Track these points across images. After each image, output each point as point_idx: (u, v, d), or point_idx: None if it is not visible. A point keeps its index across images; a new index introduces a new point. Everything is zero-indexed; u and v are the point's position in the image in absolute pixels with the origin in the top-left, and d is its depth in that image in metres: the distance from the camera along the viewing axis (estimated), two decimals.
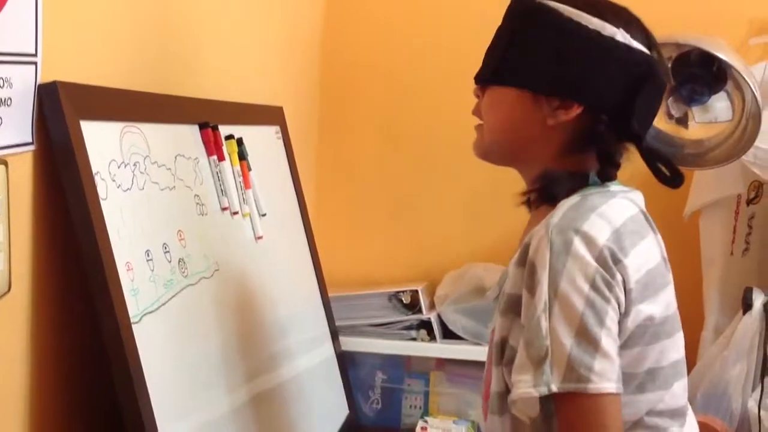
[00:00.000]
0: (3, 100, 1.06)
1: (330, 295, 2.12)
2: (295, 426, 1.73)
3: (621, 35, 1.15)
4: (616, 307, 1.08)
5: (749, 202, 2.06)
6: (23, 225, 1.13)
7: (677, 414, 1.19)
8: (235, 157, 1.65)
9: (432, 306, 2.27)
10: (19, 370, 1.14)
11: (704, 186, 2.08)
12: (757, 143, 1.75)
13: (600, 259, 1.07)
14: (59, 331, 1.22)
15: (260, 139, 1.87)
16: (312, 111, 2.45)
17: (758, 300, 1.90)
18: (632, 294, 1.09)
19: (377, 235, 2.47)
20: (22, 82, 1.10)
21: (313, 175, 2.42)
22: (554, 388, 1.04)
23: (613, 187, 1.20)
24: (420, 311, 2.21)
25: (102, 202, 1.18)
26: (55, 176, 1.16)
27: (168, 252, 1.34)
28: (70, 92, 1.16)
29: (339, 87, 2.47)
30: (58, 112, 1.14)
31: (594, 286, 1.06)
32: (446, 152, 2.38)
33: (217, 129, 1.59)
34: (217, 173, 1.57)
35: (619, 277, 1.08)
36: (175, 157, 1.43)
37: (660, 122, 1.86)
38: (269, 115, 1.98)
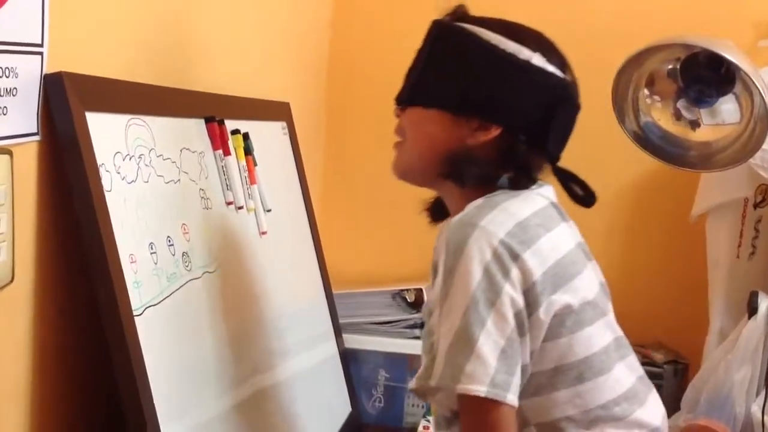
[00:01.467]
0: (8, 90, 1.06)
1: (334, 292, 2.12)
2: (298, 423, 1.72)
3: (537, 59, 1.19)
4: (507, 305, 1.08)
5: (756, 205, 2.04)
6: (27, 215, 1.13)
7: (632, 397, 1.19)
8: (241, 151, 1.65)
9: None
10: (22, 360, 1.14)
11: (711, 188, 2.07)
12: (765, 146, 1.74)
13: (495, 255, 1.09)
14: (62, 322, 1.22)
15: (266, 135, 1.86)
16: (319, 107, 2.44)
17: (764, 304, 1.89)
18: (538, 286, 1.10)
19: (382, 232, 2.46)
20: (28, 72, 1.10)
21: (318, 171, 2.42)
22: (432, 383, 1.08)
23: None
24: None
25: (106, 194, 1.18)
26: (59, 167, 1.16)
27: (172, 245, 1.33)
28: (76, 83, 1.16)
29: (346, 84, 2.46)
30: (64, 103, 1.14)
31: (480, 286, 1.08)
32: None
33: (224, 123, 1.59)
34: (222, 168, 1.56)
35: (515, 272, 1.09)
36: (181, 151, 1.43)
37: (667, 124, 1.86)
38: (276, 111, 1.98)
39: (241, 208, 1.61)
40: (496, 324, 1.07)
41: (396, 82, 2.49)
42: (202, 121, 1.54)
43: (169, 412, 1.22)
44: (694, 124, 1.85)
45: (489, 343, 1.06)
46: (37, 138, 1.13)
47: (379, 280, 2.35)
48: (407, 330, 2.21)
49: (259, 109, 1.86)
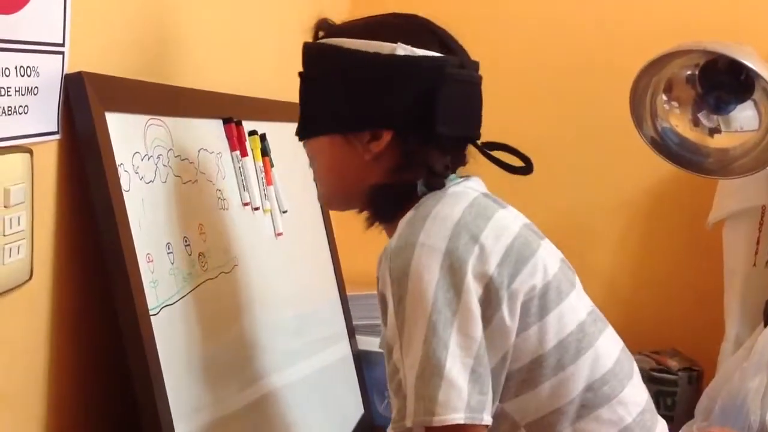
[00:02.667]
0: (29, 89, 1.07)
1: (348, 293, 2.12)
2: (310, 424, 1.73)
3: (401, 49, 1.14)
4: (468, 320, 1.02)
5: None
6: (46, 214, 1.14)
7: (619, 372, 1.13)
8: (258, 152, 1.66)
9: None
10: (39, 357, 1.15)
11: (728, 195, 2.06)
12: None
13: (443, 270, 1.03)
14: (79, 321, 1.23)
15: (284, 136, 1.86)
16: None
17: None
18: (495, 280, 1.05)
19: None
20: (49, 72, 1.10)
21: None
22: (408, 423, 1.02)
23: (450, 182, 1.18)
24: None
25: (125, 193, 1.19)
26: (79, 166, 1.16)
27: (188, 245, 1.34)
28: (96, 83, 1.16)
29: None
30: (84, 102, 1.15)
31: (435, 308, 1.01)
32: None
33: (241, 124, 1.59)
34: (239, 168, 1.57)
35: (469, 278, 1.03)
36: (199, 151, 1.43)
37: (685, 130, 1.85)
38: (293, 112, 1.97)
39: (257, 209, 1.62)
40: (460, 344, 1.01)
41: None
42: (220, 121, 1.55)
43: (184, 411, 1.23)
44: (712, 131, 1.84)
45: (457, 365, 1.00)
46: (57, 137, 1.14)
47: None
48: None
49: (276, 110, 1.86)
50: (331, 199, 1.29)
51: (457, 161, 1.21)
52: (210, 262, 1.40)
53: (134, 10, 1.32)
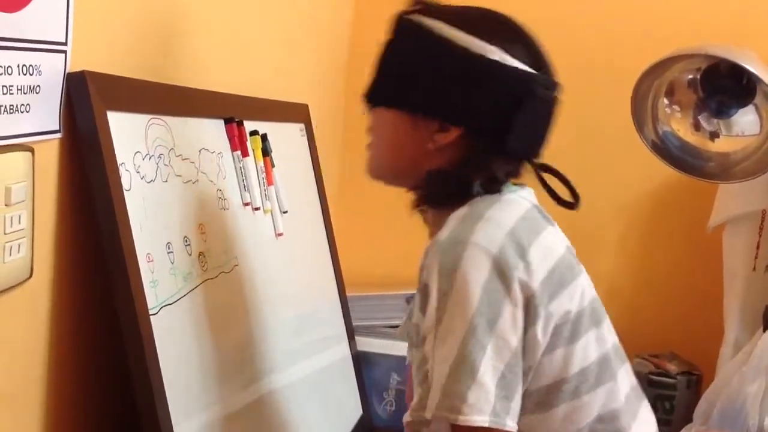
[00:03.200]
0: (31, 88, 1.07)
1: (348, 294, 2.12)
2: (308, 424, 1.73)
3: (494, 52, 1.11)
4: (508, 327, 1.02)
5: None
6: (47, 213, 1.14)
7: (627, 410, 1.14)
8: (259, 153, 1.66)
9: None
10: (38, 355, 1.15)
11: (729, 200, 2.06)
12: None
13: (495, 271, 1.03)
14: (79, 319, 1.23)
15: (285, 136, 1.87)
16: (337, 110, 2.45)
17: None
18: (537, 297, 1.05)
19: (398, 236, 2.45)
20: (51, 71, 1.10)
21: (336, 174, 2.43)
22: (428, 415, 1.02)
23: (505, 188, 1.17)
24: None
25: (125, 193, 1.19)
26: (80, 165, 1.16)
27: (189, 245, 1.34)
28: (98, 82, 1.16)
29: (364, 89, 2.46)
30: (86, 101, 1.15)
31: (480, 311, 1.01)
32: None
33: (242, 124, 1.59)
34: (240, 168, 1.57)
35: (516, 285, 1.03)
36: (200, 151, 1.43)
37: (686, 134, 1.85)
38: (294, 113, 1.98)
39: (258, 209, 1.62)
40: (496, 349, 1.02)
41: None
42: (222, 121, 1.55)
43: (183, 411, 1.23)
44: (713, 135, 1.84)
45: (490, 369, 1.01)
46: (58, 136, 1.14)
47: (394, 283, 2.35)
48: None
49: (277, 110, 1.86)
50: (380, 171, 1.25)
51: (516, 171, 1.20)
52: (210, 262, 1.40)
53: (136, 9, 1.32)
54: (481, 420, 1.00)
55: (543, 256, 1.08)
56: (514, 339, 1.04)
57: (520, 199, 1.16)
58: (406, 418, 1.06)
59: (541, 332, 1.06)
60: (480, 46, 1.12)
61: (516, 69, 1.13)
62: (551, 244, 1.13)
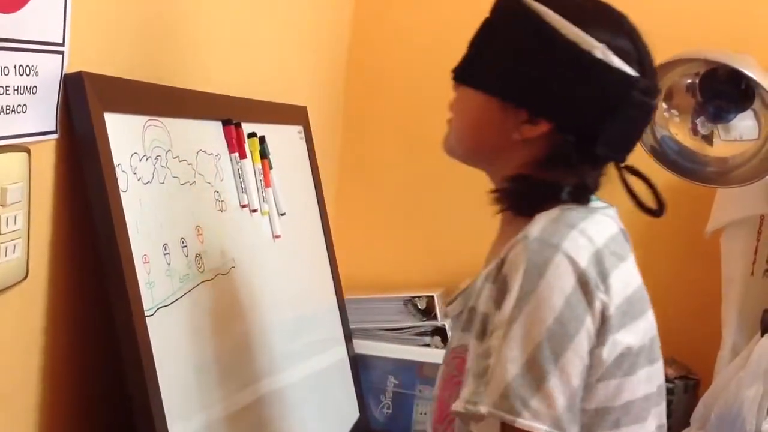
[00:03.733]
0: (28, 88, 1.07)
1: (346, 297, 2.12)
2: (305, 427, 1.73)
3: (600, 52, 1.06)
4: (584, 341, 1.00)
5: None
6: (43, 213, 1.14)
7: None
8: (257, 154, 1.66)
9: (447, 313, 2.27)
10: (33, 356, 1.15)
11: (727, 204, 2.06)
12: None
13: (580, 284, 1.00)
14: (74, 320, 1.22)
15: (283, 138, 1.87)
16: (336, 113, 2.45)
17: None
18: (610, 322, 1.02)
19: (395, 239, 2.47)
20: (48, 71, 1.10)
21: (334, 176, 2.43)
22: (483, 410, 0.99)
23: (593, 203, 1.13)
24: (435, 317, 2.21)
25: (122, 194, 1.19)
26: (76, 166, 1.16)
27: (185, 246, 1.34)
28: (95, 83, 1.16)
29: (363, 91, 2.47)
30: (83, 102, 1.15)
31: (560, 319, 0.99)
32: None
33: (240, 126, 1.59)
34: (238, 170, 1.57)
35: (597, 304, 1.01)
36: (197, 153, 1.43)
37: (685, 138, 1.85)
38: (293, 115, 1.98)
39: (255, 211, 1.62)
40: (570, 361, 0.99)
41: (414, 88, 2.51)
42: (219, 123, 1.55)
43: (178, 413, 1.23)
44: (712, 140, 1.84)
45: (560, 382, 0.98)
46: (55, 136, 1.14)
47: (391, 286, 2.36)
48: (418, 337, 2.21)
49: (276, 112, 1.86)
50: (458, 150, 1.20)
51: (599, 179, 1.16)
52: (207, 264, 1.40)
53: (134, 11, 1.32)
54: (540, 428, 0.97)
55: (623, 284, 1.06)
56: (586, 355, 1.01)
57: (610, 221, 1.12)
58: (457, 408, 1.01)
59: (606, 355, 1.03)
60: (588, 43, 1.06)
61: (620, 71, 1.07)
62: (630, 273, 1.10)
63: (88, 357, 1.26)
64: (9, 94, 1.04)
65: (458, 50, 2.57)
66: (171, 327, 1.26)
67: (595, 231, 1.06)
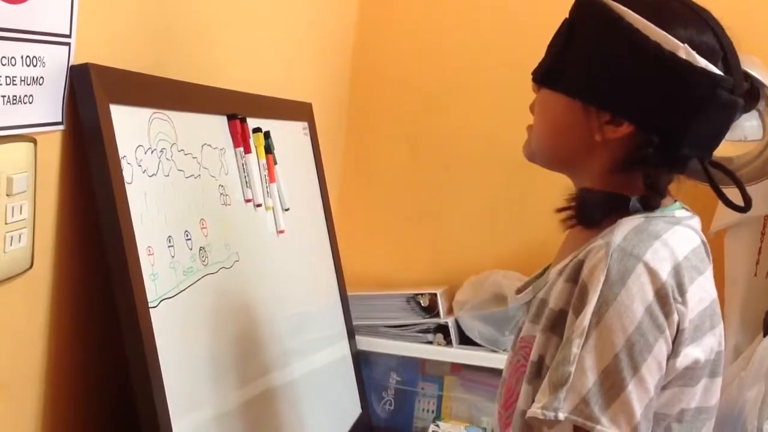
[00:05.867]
0: (35, 79, 1.07)
1: (348, 293, 2.13)
2: (307, 422, 1.73)
3: (684, 52, 1.05)
4: (663, 351, 1.01)
5: None
6: (48, 204, 1.14)
7: None
8: (262, 150, 1.66)
9: (450, 311, 2.27)
10: (38, 345, 1.16)
11: None
12: None
13: (659, 296, 1.00)
14: (79, 311, 1.23)
15: (287, 134, 1.87)
16: (340, 111, 2.45)
17: None
18: (684, 335, 1.03)
19: (399, 236, 2.47)
20: (55, 63, 1.11)
21: (338, 173, 2.43)
22: (561, 416, 0.99)
23: (677, 212, 1.13)
24: (438, 315, 2.21)
25: (127, 186, 1.19)
26: (82, 157, 1.17)
27: (189, 239, 1.34)
28: (102, 75, 1.17)
29: (367, 90, 2.47)
30: (89, 94, 1.15)
31: (640, 329, 0.99)
32: (469, 159, 2.38)
33: (245, 121, 1.60)
34: (242, 165, 1.57)
35: (675, 317, 1.01)
36: (202, 146, 1.44)
37: None
38: (298, 111, 1.99)
39: (259, 205, 1.62)
40: (649, 371, 1.00)
41: (419, 86, 2.51)
42: (225, 118, 1.55)
43: (180, 405, 1.23)
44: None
45: (638, 391, 0.99)
46: (61, 127, 1.14)
47: (394, 283, 2.36)
48: (420, 334, 2.22)
49: (281, 108, 1.87)
50: (539, 155, 1.19)
51: (669, 182, 1.15)
52: (210, 257, 1.40)
53: (142, 3, 1.33)
54: None
55: (699, 298, 1.06)
56: (664, 364, 1.02)
57: (693, 233, 1.12)
58: (534, 413, 1.01)
59: (677, 365, 1.04)
60: (671, 43, 1.05)
61: (704, 71, 1.06)
62: (707, 287, 1.09)
63: (92, 347, 1.27)
64: (16, 84, 1.04)
65: (460, 54, 2.58)
66: (174, 319, 1.26)
67: (678, 243, 1.06)
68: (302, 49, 2.10)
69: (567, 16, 1.15)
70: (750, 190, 1.85)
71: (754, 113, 1.78)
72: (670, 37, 1.06)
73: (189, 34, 1.50)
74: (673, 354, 1.03)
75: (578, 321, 1.01)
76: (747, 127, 1.80)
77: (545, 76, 1.15)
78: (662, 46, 1.06)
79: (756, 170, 1.78)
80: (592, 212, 1.12)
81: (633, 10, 1.07)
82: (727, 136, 1.81)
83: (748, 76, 1.69)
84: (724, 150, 1.82)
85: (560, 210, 1.15)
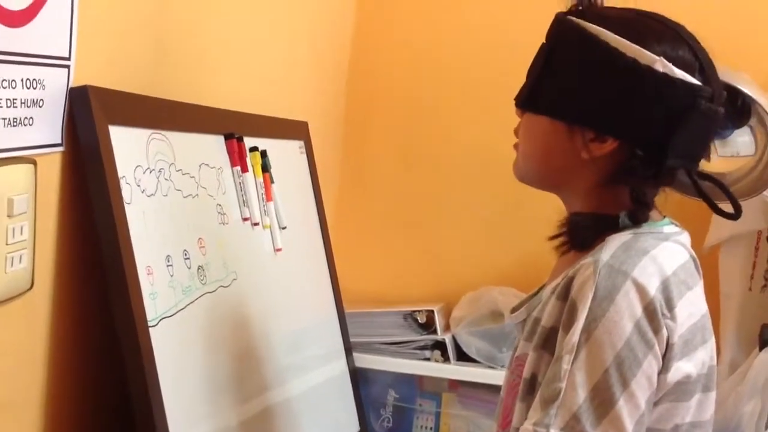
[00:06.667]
0: (35, 101, 1.09)
1: (346, 311, 2.13)
2: None
3: (661, 64, 1.07)
4: (653, 366, 1.02)
5: None
6: (48, 224, 1.15)
7: None
8: (259, 168, 1.67)
9: (447, 327, 2.27)
10: (38, 365, 1.16)
11: (725, 220, 2.06)
12: None
13: (648, 311, 1.01)
14: (79, 330, 1.24)
15: (284, 153, 1.88)
16: (336, 128, 2.47)
17: None
18: (673, 350, 1.04)
19: (396, 254, 2.48)
20: (55, 85, 1.12)
21: (334, 191, 2.44)
22: None
23: (666, 228, 1.14)
24: (435, 332, 2.21)
25: (126, 206, 1.20)
26: (81, 178, 1.18)
27: (188, 258, 1.35)
28: (101, 97, 1.18)
29: (363, 109, 2.48)
30: (88, 115, 1.17)
31: (629, 345, 1.00)
32: (466, 176, 2.39)
33: (242, 140, 1.61)
34: (240, 184, 1.58)
35: (664, 332, 1.02)
36: (200, 166, 1.45)
37: None
38: (294, 130, 2.00)
39: (257, 224, 1.63)
40: (639, 386, 1.00)
41: (414, 104, 2.52)
42: (222, 137, 1.57)
43: (180, 424, 1.24)
44: (709, 155, 1.85)
45: (628, 406, 1.00)
46: (60, 149, 1.16)
47: (392, 300, 2.36)
48: (418, 351, 2.22)
49: (277, 127, 1.88)
50: (528, 176, 1.20)
51: (655, 194, 1.17)
52: (209, 276, 1.41)
53: (140, 26, 1.34)
54: None
55: (688, 313, 1.07)
56: (654, 379, 1.03)
57: (682, 248, 1.13)
58: (526, 430, 1.02)
59: (668, 380, 1.05)
60: (648, 58, 1.07)
61: (683, 82, 1.08)
62: (696, 302, 1.11)
63: (92, 366, 1.27)
64: (16, 106, 1.06)
65: (454, 70, 2.60)
66: (174, 337, 1.27)
67: (666, 258, 1.07)
68: (298, 68, 2.11)
69: (545, 36, 1.17)
70: (744, 204, 1.87)
71: (746, 129, 1.78)
72: (646, 51, 1.08)
73: (186, 55, 1.51)
74: (663, 369, 1.04)
75: (568, 337, 1.02)
76: (739, 143, 1.81)
77: (527, 100, 1.17)
78: (638, 61, 1.07)
79: (748, 185, 1.79)
80: (584, 236, 1.13)
81: (607, 29, 1.09)
82: (719, 151, 1.83)
83: (739, 92, 1.72)
84: (716, 166, 1.84)
85: (553, 237, 1.16)
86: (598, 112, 1.11)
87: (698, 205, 1.91)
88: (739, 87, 1.70)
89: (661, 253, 1.07)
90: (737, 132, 1.79)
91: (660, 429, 1.07)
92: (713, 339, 1.14)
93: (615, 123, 1.10)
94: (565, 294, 1.06)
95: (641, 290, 1.02)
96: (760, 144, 1.77)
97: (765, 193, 1.79)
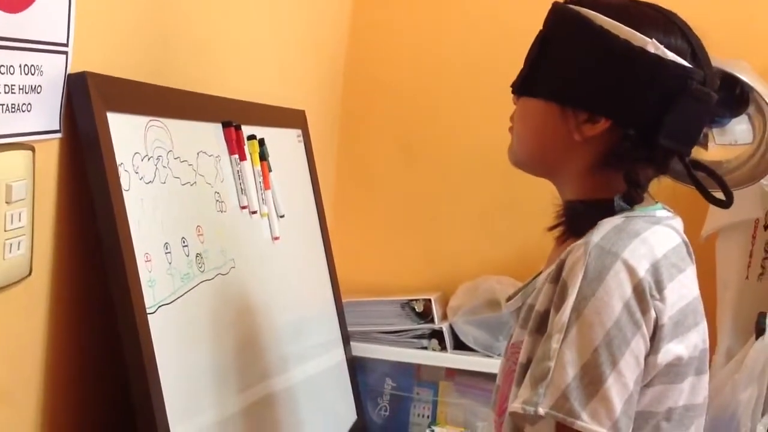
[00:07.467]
0: (33, 87, 1.08)
1: (343, 300, 2.13)
2: (303, 428, 1.74)
3: (653, 46, 1.09)
4: (640, 346, 1.02)
5: (767, 226, 2.05)
6: (47, 211, 1.15)
7: None
8: (257, 157, 1.67)
9: (444, 316, 2.28)
10: (37, 352, 1.16)
11: (722, 209, 2.07)
12: None
13: (637, 292, 1.02)
14: (77, 317, 1.24)
15: (282, 141, 1.88)
16: (334, 116, 2.47)
17: None
18: (663, 331, 1.04)
19: (393, 242, 2.48)
20: (53, 71, 1.12)
21: (332, 180, 2.44)
22: (541, 411, 1.00)
23: (658, 212, 1.15)
24: (432, 321, 2.22)
25: (124, 193, 1.20)
26: (80, 165, 1.18)
27: (186, 246, 1.35)
28: (99, 83, 1.18)
29: (360, 97, 2.48)
30: (86, 102, 1.16)
31: (618, 324, 1.01)
32: (463, 165, 2.39)
33: (240, 128, 1.61)
34: (237, 172, 1.58)
35: (652, 313, 1.03)
36: (198, 154, 1.45)
37: None
38: (292, 118, 2.00)
39: (254, 212, 1.63)
40: (628, 366, 1.01)
41: (412, 93, 2.52)
42: (220, 125, 1.56)
43: (179, 411, 1.24)
44: (707, 143, 1.85)
45: (617, 385, 1.00)
46: (59, 135, 1.15)
47: (389, 289, 2.37)
48: (415, 340, 2.22)
49: (275, 116, 1.88)
50: (521, 159, 1.22)
51: (651, 177, 1.18)
52: (207, 264, 1.41)
53: (138, 12, 1.34)
54: (599, 430, 0.99)
55: (679, 295, 1.08)
56: (642, 360, 1.03)
57: (673, 232, 1.14)
58: (515, 408, 1.03)
59: (659, 361, 1.05)
60: (640, 39, 1.09)
61: (675, 64, 1.10)
62: (687, 285, 1.11)
63: (91, 353, 1.27)
64: (14, 93, 1.05)
65: (452, 60, 2.60)
66: (172, 325, 1.27)
67: (657, 241, 1.08)
68: (296, 56, 2.11)
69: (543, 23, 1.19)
70: (741, 193, 1.87)
71: (743, 117, 1.79)
72: (638, 33, 1.10)
73: (184, 42, 1.51)
74: (653, 350, 1.04)
75: (558, 317, 1.03)
76: (737, 131, 1.81)
77: (522, 85, 1.20)
78: (631, 43, 1.10)
79: (746, 174, 1.80)
80: (581, 223, 1.13)
81: (602, 14, 1.12)
82: (717, 140, 1.84)
83: (737, 81, 1.72)
84: (714, 154, 1.85)
85: (552, 228, 1.17)
86: (591, 94, 1.13)
87: (694, 194, 1.92)
88: (738, 75, 1.70)
89: (653, 236, 1.08)
90: (735, 120, 1.80)
91: (654, 412, 1.08)
92: (705, 322, 1.15)
93: (607, 103, 1.12)
94: (557, 277, 1.07)
95: (631, 271, 1.03)
96: (757, 132, 1.77)
97: (762, 181, 1.79)
